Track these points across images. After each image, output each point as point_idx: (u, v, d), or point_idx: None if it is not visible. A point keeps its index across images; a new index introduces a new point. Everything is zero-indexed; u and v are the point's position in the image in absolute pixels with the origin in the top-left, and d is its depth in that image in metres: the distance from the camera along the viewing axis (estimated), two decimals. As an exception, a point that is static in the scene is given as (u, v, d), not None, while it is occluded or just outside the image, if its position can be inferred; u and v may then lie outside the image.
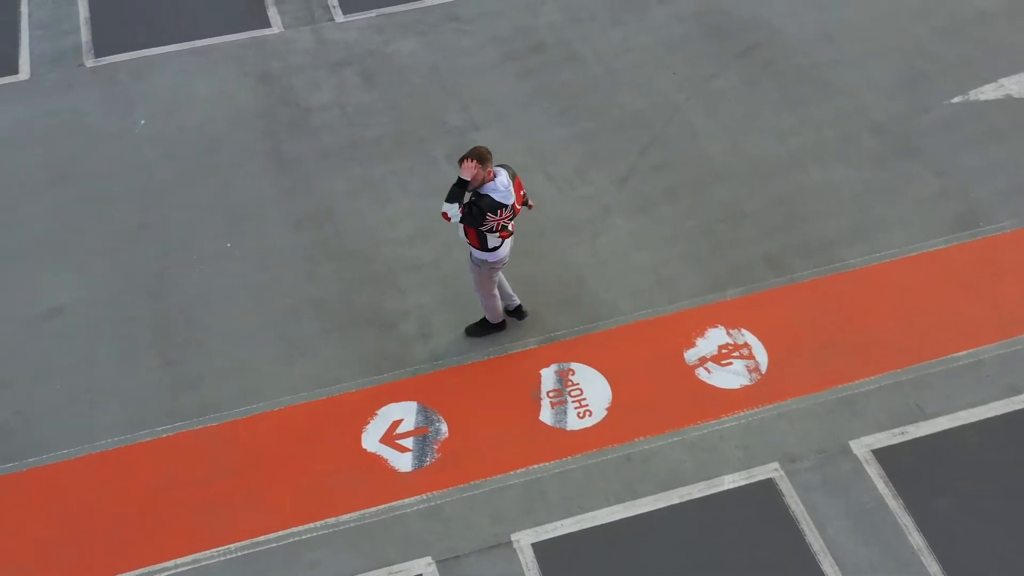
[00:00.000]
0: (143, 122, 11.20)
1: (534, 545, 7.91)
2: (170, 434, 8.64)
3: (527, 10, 12.32)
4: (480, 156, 8.18)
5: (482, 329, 9.17)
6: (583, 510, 8.08)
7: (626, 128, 10.91)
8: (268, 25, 12.32)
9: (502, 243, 8.53)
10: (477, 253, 8.58)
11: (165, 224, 10.22)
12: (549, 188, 10.38)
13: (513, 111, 11.16)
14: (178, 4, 12.61)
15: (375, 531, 7.99)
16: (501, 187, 8.28)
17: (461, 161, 8.16)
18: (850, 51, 11.73)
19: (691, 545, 7.78)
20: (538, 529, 8.00)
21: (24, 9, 12.55)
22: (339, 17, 12.40)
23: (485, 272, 8.71)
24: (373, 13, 12.35)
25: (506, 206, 8.28)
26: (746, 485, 8.11)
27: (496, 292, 8.97)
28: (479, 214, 8.22)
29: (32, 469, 8.45)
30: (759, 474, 8.16)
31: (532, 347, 9.13)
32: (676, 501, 8.09)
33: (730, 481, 8.15)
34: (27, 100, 11.49)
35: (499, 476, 8.29)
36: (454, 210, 8.21)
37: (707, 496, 8.06)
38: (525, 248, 9.79)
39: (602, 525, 8.01)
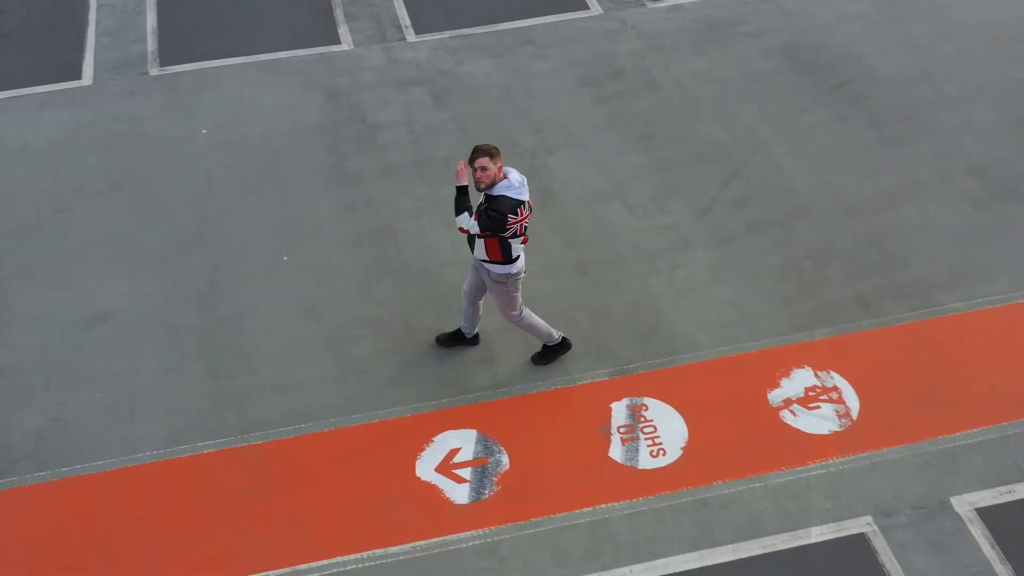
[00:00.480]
0: (204, 131, 10.83)
1: (603, 596, 7.25)
2: (212, 450, 8.09)
3: (606, 37, 11.86)
4: (491, 153, 7.56)
5: (549, 354, 8.56)
6: (654, 556, 7.38)
7: (707, 159, 10.34)
8: (338, 42, 11.96)
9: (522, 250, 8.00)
10: (498, 269, 7.94)
11: (220, 234, 9.77)
12: (625, 216, 9.81)
13: (588, 136, 10.64)
14: (246, 18, 12.31)
15: (427, 565, 7.34)
16: (515, 183, 7.66)
17: (472, 159, 7.52)
18: (947, 90, 11.10)
19: (773, 601, 7.06)
20: (604, 575, 7.33)
21: (92, 17, 12.31)
22: (411, 37, 12.02)
23: (511, 288, 8.08)
24: (446, 34, 11.96)
25: (524, 203, 7.66)
26: (835, 539, 7.35)
27: (526, 308, 8.35)
28: (499, 218, 7.57)
29: (65, 479, 7.92)
30: (850, 528, 7.41)
31: (602, 379, 8.49)
32: (758, 552, 7.36)
33: (817, 533, 7.40)
34: (88, 105, 11.17)
35: (563, 514, 7.62)
36: (468, 220, 7.64)
37: (792, 548, 7.31)
38: (598, 277, 9.21)
39: (675, 574, 7.31)
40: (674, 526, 7.52)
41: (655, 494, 7.70)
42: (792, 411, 8.20)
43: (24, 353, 8.79)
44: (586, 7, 12.29)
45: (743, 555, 7.32)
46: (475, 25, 12.08)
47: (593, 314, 8.93)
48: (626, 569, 7.31)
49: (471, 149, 7.61)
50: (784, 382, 8.42)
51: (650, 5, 12.24)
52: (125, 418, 8.30)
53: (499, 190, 7.62)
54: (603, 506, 7.67)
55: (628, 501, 7.69)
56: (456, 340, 8.70)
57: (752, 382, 8.42)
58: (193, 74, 11.53)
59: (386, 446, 8.07)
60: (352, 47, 11.89)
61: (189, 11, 12.43)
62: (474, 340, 8.71)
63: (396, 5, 12.48)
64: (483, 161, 7.56)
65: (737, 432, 8.06)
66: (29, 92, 11.33)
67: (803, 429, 8.07)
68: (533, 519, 7.60)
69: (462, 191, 7.70)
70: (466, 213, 7.65)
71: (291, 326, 8.93)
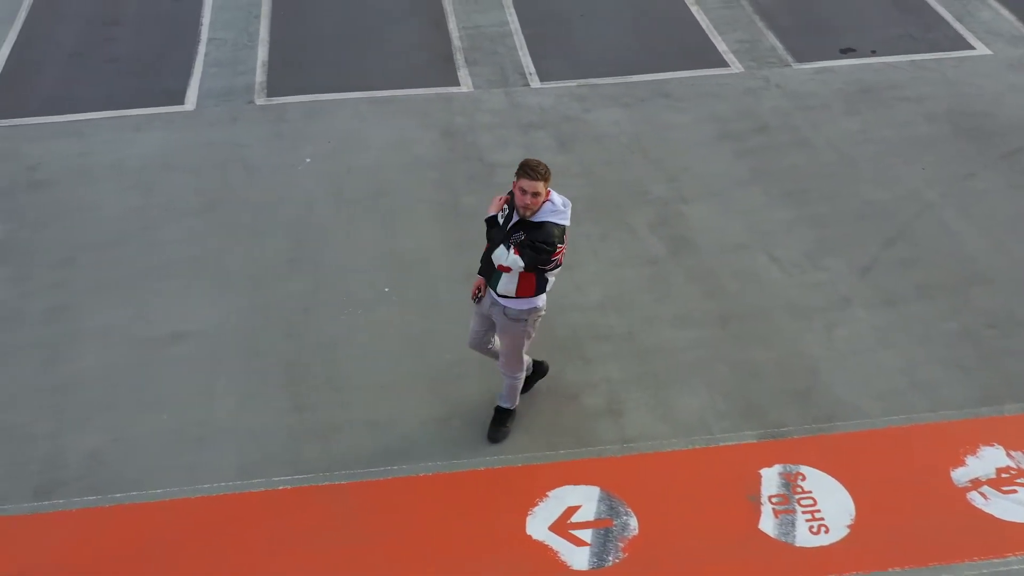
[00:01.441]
0: (308, 160, 9.97)
1: None
2: (289, 487, 6.93)
3: (749, 94, 10.86)
4: (546, 177, 6.27)
5: (505, 422, 7.24)
6: (819, 651, 5.98)
7: (866, 218, 9.14)
8: (457, 84, 11.15)
9: None
10: (520, 305, 6.64)
11: (318, 261, 8.78)
12: (773, 270, 8.61)
13: (729, 188, 9.54)
14: (362, 58, 11.59)
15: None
16: (560, 205, 6.42)
17: (521, 180, 6.25)
18: None
19: None
20: (755, 667, 5.92)
21: (202, 49, 11.71)
22: (535, 84, 11.16)
23: (529, 326, 6.81)
24: (573, 83, 11.08)
25: (566, 228, 6.49)
26: (1049, 647, 5.89)
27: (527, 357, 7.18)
28: (547, 250, 6.32)
29: (118, 506, 6.79)
30: (1067, 634, 5.95)
31: (750, 441, 7.19)
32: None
33: (1026, 638, 5.94)
34: (187, 129, 10.42)
35: (704, 591, 6.28)
36: (508, 255, 6.32)
37: (996, 653, 5.87)
38: (743, 331, 7.99)
39: None
40: (844, 618, 6.13)
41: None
42: (982, 493, 6.78)
43: (89, 369, 7.78)
44: (726, 64, 11.35)
45: (933, 658, 5.90)
46: (604, 76, 11.20)
47: (737, 369, 7.68)
48: (783, 663, 5.91)
49: (520, 167, 6.30)
50: (970, 460, 7.02)
51: (795, 66, 11.26)
52: (192, 445, 7.19)
53: (543, 215, 6.37)
54: (754, 587, 6.32)
55: (785, 582, 6.33)
56: (526, 387, 7.45)
57: (931, 457, 7.02)
58: (301, 105, 10.75)
59: (492, 497, 6.82)
60: (472, 89, 11.06)
61: (301, 48, 11.77)
62: (537, 369, 7.52)
63: (520, 53, 11.67)
64: (536, 186, 6.25)
65: (915, 513, 6.65)
66: (127, 114, 10.64)
67: (997, 515, 6.63)
68: (668, 594, 6.27)
69: (491, 222, 6.54)
70: (502, 247, 6.38)
71: (389, 360, 7.82)
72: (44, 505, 6.82)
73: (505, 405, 7.23)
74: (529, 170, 6.26)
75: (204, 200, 9.48)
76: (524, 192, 6.27)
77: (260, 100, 10.87)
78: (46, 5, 12.58)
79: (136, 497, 6.84)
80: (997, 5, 12.45)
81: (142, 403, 7.52)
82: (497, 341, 7.08)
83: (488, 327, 7.00)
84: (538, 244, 6.31)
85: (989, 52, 11.54)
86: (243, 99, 10.87)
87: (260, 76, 11.24)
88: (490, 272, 6.57)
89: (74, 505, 6.81)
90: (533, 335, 6.91)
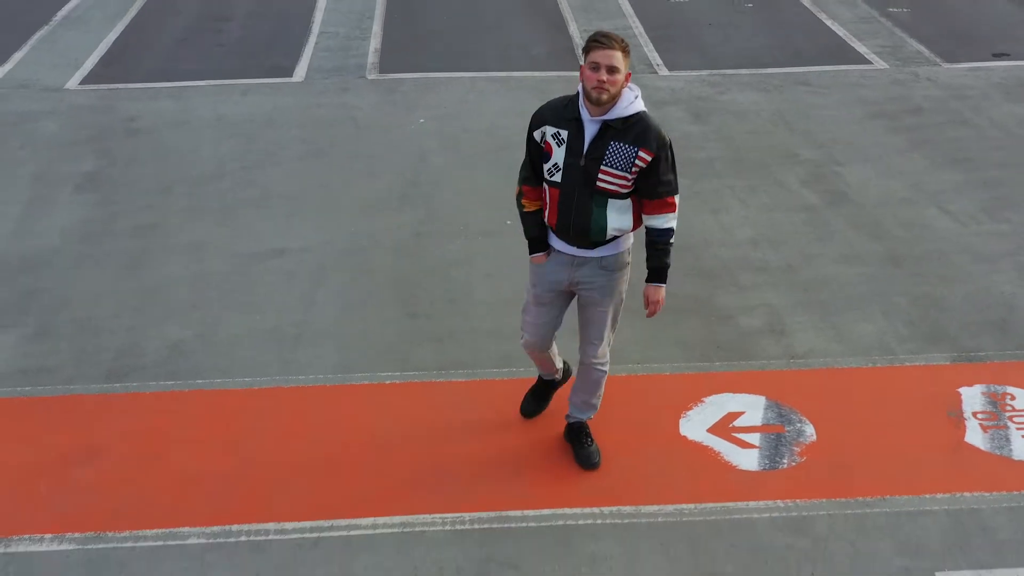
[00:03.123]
0: (422, 120, 9.26)
1: (981, 595, 4.57)
2: (398, 382, 5.93)
3: (897, 84, 9.99)
4: (625, 47, 4.53)
5: (591, 437, 5.37)
6: (1066, 562, 4.72)
7: (1047, 181, 8.14)
8: (575, 69, 10.51)
9: None
10: (620, 245, 4.89)
11: (432, 198, 7.95)
12: (947, 221, 7.56)
13: (887, 155, 8.57)
14: (478, 45, 11.02)
15: (699, 532, 4.85)
16: (635, 93, 4.67)
17: (592, 51, 4.48)
18: None
19: None
20: (982, 573, 4.66)
21: (312, 40, 11.24)
22: (663, 72, 10.44)
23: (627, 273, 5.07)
24: (704, 72, 10.32)
25: None
26: None
27: None
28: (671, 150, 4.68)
29: (200, 391, 5.83)
30: None
31: (941, 363, 6.05)
32: None
33: None
34: (295, 95, 9.82)
35: (907, 497, 5.06)
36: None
37: None
38: (921, 269, 6.95)
39: (1105, 588, 4.60)
40: (1090, 531, 4.87)
41: (1050, 489, 5.11)
42: None
43: (178, 276, 6.94)
44: (868, 62, 10.55)
45: None
46: (736, 68, 10.45)
47: (918, 302, 6.58)
48: (1018, 570, 4.65)
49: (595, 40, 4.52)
50: None
51: (945, 65, 10.41)
52: (289, 343, 6.23)
53: (638, 106, 4.61)
54: (968, 495, 5.08)
55: (1008, 493, 5.09)
56: (545, 396, 5.62)
57: None
58: (415, 80, 10.13)
59: (635, 401, 5.74)
60: (595, 75, 10.38)
61: (416, 39, 11.26)
62: (567, 373, 5.68)
63: (646, 50, 11.00)
64: (612, 56, 4.46)
65: None
66: (232, 82, 10.10)
67: None
68: (863, 498, 5.07)
69: (535, 150, 4.80)
70: (614, 209, 4.68)
71: (511, 282, 6.85)
72: (116, 387, 5.90)
73: (589, 415, 5.37)
74: (602, 37, 4.53)
75: (310, 148, 8.78)
76: (597, 67, 4.47)
77: (372, 76, 10.28)
78: (157, 4, 12.32)
79: (220, 384, 5.90)
80: None
81: (233, 305, 6.62)
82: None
83: (561, 308, 5.17)
84: (671, 152, 4.66)
85: None
86: (354, 74, 10.29)
87: (372, 59, 10.69)
88: (573, 221, 4.76)
89: (149, 389, 5.88)
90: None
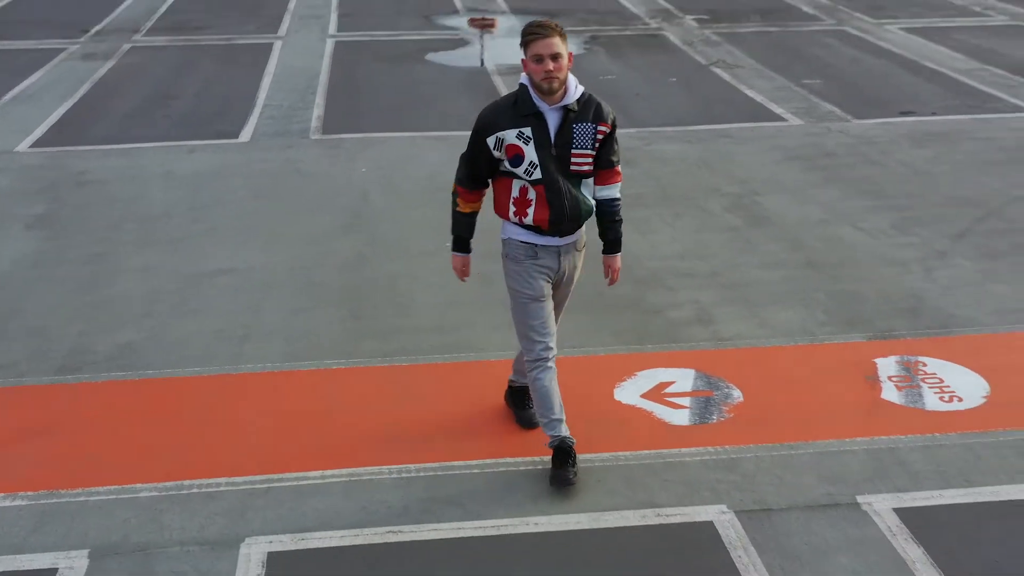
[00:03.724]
0: (364, 169, 9.65)
1: (898, 511, 4.82)
2: (344, 367, 6.16)
3: (811, 135, 10.59)
4: (561, 32, 4.76)
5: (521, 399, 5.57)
6: (971, 484, 5.01)
7: (951, 204, 8.65)
8: (513, 131, 11.01)
9: None
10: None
11: (375, 228, 8.29)
12: (861, 235, 8.02)
13: (803, 188, 9.08)
14: (417, 112, 11.52)
15: (635, 473, 5.09)
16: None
17: (530, 41, 4.71)
18: None
19: None
20: (901, 496, 4.94)
21: (257, 111, 11.67)
22: (593, 131, 11.02)
23: None
24: (632, 130, 10.85)
25: None
26: None
27: None
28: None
29: (150, 379, 6.01)
30: None
31: (859, 340, 6.43)
32: None
33: None
34: (240, 152, 10.19)
35: (829, 440, 5.36)
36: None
37: None
38: (836, 272, 7.40)
39: (1006, 502, 4.90)
40: (995, 461, 5.18)
41: (959, 432, 5.43)
42: None
43: (129, 292, 7.16)
44: (784, 120, 11.20)
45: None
46: (661, 126, 11.01)
47: (835, 297, 6.99)
48: (932, 492, 4.94)
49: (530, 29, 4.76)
50: (1113, 353, 6.24)
51: (856, 121, 11.09)
52: (236, 341, 6.46)
53: (581, 87, 4.88)
54: (885, 437, 5.39)
55: (921, 435, 5.41)
56: (568, 463, 5.07)
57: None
58: (357, 139, 10.54)
59: (571, 378, 5.92)
60: (529, 134, 10.90)
61: (359, 109, 11.71)
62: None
63: (576, 114, 11.62)
64: (553, 44, 4.68)
65: (1060, 391, 5.83)
66: (180, 143, 10.46)
67: None
68: (786, 443, 5.35)
69: (490, 145, 4.85)
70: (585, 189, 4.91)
71: (455, 286, 7.07)
72: (68, 379, 6.06)
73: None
74: (536, 27, 4.74)
75: (256, 193, 9.11)
76: (541, 59, 4.67)
77: (315, 136, 10.71)
78: (103, 87, 12.72)
79: (170, 374, 6.09)
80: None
81: (182, 313, 6.85)
82: None
83: (550, 291, 5.14)
84: (615, 135, 4.94)
85: (1050, 114, 11.42)
86: (298, 136, 10.71)
87: (315, 123, 11.13)
88: (568, 210, 4.86)
89: (100, 379, 6.05)
90: None
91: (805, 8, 17.29)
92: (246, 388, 5.95)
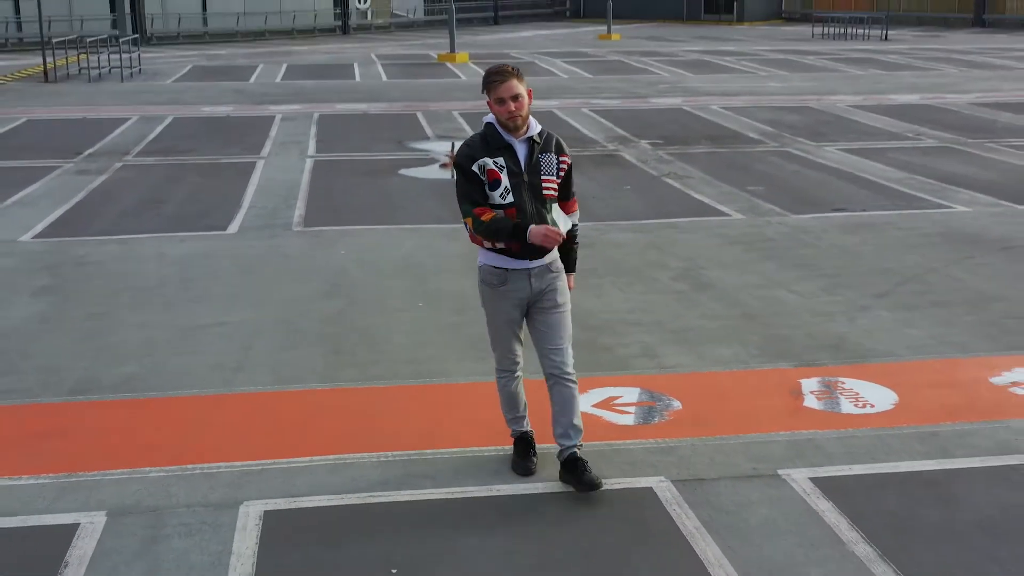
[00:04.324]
0: (343, 252, 10.52)
1: (812, 479, 5.56)
2: (326, 389, 6.89)
3: (752, 227, 11.59)
4: (518, 74, 5.37)
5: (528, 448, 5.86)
6: (877, 461, 5.77)
7: (876, 275, 9.58)
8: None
9: None
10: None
11: (353, 294, 9.09)
12: (793, 297, 8.92)
13: (743, 263, 10.00)
14: (394, 212, 12.46)
15: (587, 457, 5.77)
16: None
17: (492, 86, 5.34)
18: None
19: None
20: (816, 469, 5.69)
21: (242, 212, 12.58)
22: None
23: None
24: (590, 223, 11.82)
25: None
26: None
27: None
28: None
29: (154, 399, 6.74)
30: None
31: (784, 367, 7.23)
32: (1017, 462, 5.73)
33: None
34: (228, 241, 11.06)
35: (757, 434, 6.13)
36: (561, 216, 5.53)
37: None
38: (771, 321, 8.24)
39: (909, 472, 5.64)
40: (898, 445, 5.96)
41: (870, 427, 6.21)
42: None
43: (129, 341, 7.90)
44: (728, 215, 12.22)
45: (996, 463, 5.72)
46: (610, 220, 11.99)
47: (768, 339, 7.82)
48: (843, 466, 5.70)
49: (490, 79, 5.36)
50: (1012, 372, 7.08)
51: (793, 216, 12.12)
52: (230, 373, 7.20)
53: (540, 127, 5.51)
54: (805, 431, 6.18)
55: (837, 430, 6.19)
56: (528, 451, 5.78)
57: (973, 372, 7.09)
58: (337, 230, 11.44)
59: (528, 396, 6.71)
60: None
61: (338, 210, 12.66)
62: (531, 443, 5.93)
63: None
64: (513, 87, 5.28)
65: (952, 402, 6.64)
66: (172, 235, 11.31)
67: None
68: (719, 436, 6.11)
69: (472, 177, 5.37)
70: (555, 211, 5.47)
71: (429, 334, 7.96)
72: (78, 398, 6.75)
73: (578, 440, 5.53)
74: (495, 74, 5.34)
75: (244, 270, 9.94)
76: (503, 101, 5.30)
77: (297, 229, 11.61)
78: (97, 194, 13.63)
79: (173, 394, 6.79)
80: (970, 191, 13.53)
81: (180, 353, 7.59)
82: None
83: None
84: (570, 165, 5.56)
85: (969, 209, 12.49)
86: (282, 228, 11.61)
87: (297, 219, 12.04)
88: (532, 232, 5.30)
89: (108, 397, 6.74)
90: None
91: (751, 135, 18.64)
92: (240, 403, 6.67)
